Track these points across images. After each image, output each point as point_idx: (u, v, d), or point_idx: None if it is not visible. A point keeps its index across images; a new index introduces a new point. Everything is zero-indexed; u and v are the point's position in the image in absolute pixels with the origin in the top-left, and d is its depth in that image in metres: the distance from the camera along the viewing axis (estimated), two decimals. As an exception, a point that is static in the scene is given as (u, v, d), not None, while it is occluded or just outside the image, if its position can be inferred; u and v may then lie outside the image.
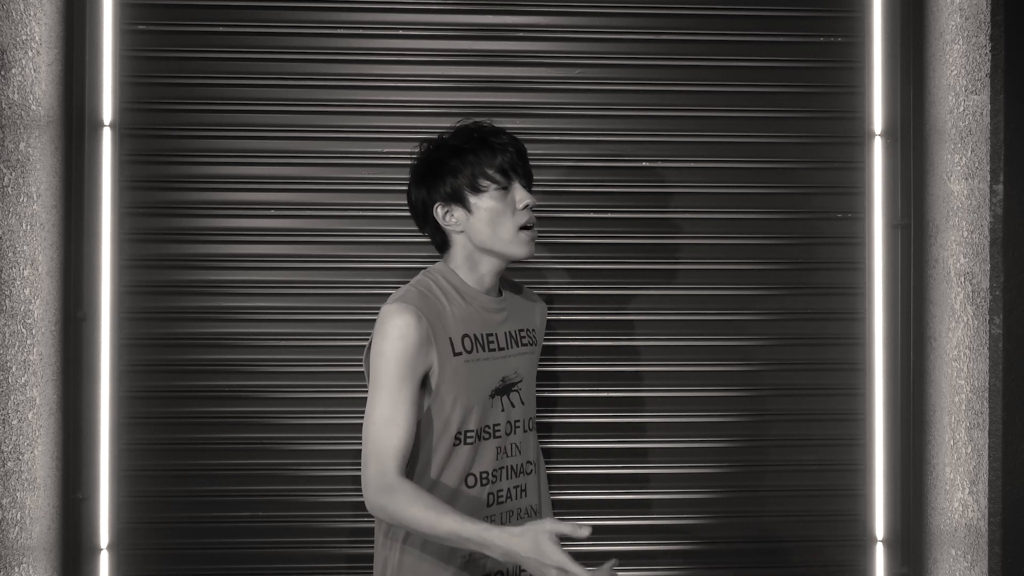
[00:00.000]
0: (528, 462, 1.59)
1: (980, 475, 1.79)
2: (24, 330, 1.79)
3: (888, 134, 2.11)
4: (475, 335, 1.50)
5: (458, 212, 1.51)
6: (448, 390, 1.45)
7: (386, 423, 1.41)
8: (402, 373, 1.41)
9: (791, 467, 2.10)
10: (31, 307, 1.82)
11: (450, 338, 1.46)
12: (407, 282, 2.03)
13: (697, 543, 2.09)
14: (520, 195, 1.51)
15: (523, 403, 1.58)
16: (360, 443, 2.01)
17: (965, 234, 1.86)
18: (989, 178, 1.76)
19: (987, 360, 1.76)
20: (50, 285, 1.91)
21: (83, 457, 2.00)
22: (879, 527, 2.10)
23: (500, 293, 1.60)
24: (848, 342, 2.11)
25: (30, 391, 1.82)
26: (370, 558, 2.04)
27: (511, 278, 1.79)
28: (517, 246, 1.50)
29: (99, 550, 2.00)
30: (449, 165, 1.51)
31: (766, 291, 2.11)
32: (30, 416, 1.82)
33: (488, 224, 1.49)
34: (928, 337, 2.04)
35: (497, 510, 1.52)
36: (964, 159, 1.87)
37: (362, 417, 2.01)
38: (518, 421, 1.57)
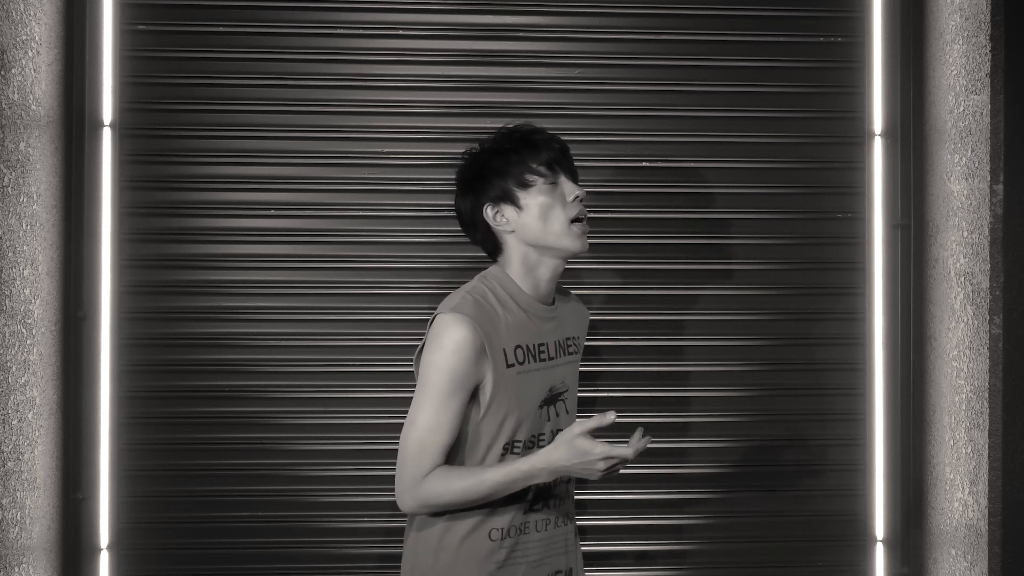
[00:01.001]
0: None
1: (980, 475, 1.79)
2: (24, 330, 1.79)
3: (888, 134, 2.11)
4: (527, 345, 1.48)
5: (508, 211, 1.48)
6: (500, 403, 1.44)
7: (429, 431, 1.41)
8: (453, 385, 1.40)
9: (791, 467, 2.10)
10: (31, 307, 1.82)
11: (504, 350, 1.44)
12: (408, 283, 2.06)
13: (697, 543, 2.09)
14: (569, 188, 1.49)
15: (567, 412, 1.56)
16: (363, 443, 2.03)
17: (965, 234, 1.86)
18: (989, 178, 1.76)
19: (987, 360, 1.76)
20: (50, 285, 1.91)
21: (83, 457, 2.00)
22: (879, 527, 2.10)
23: (553, 301, 1.57)
24: (848, 342, 2.11)
25: (30, 391, 1.82)
26: (369, 558, 2.05)
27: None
28: (570, 239, 1.47)
29: (99, 550, 2.00)
30: (494, 166, 1.49)
31: (766, 291, 2.11)
32: (30, 416, 1.82)
33: (539, 219, 1.46)
34: (928, 337, 2.04)
35: (542, 515, 1.50)
36: (964, 159, 1.87)
37: (362, 417, 2.04)
38: (559, 431, 1.52)
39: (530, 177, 1.47)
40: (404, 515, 2.03)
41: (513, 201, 1.48)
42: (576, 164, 2.06)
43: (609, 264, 2.09)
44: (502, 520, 1.46)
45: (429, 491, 1.40)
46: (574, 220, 1.48)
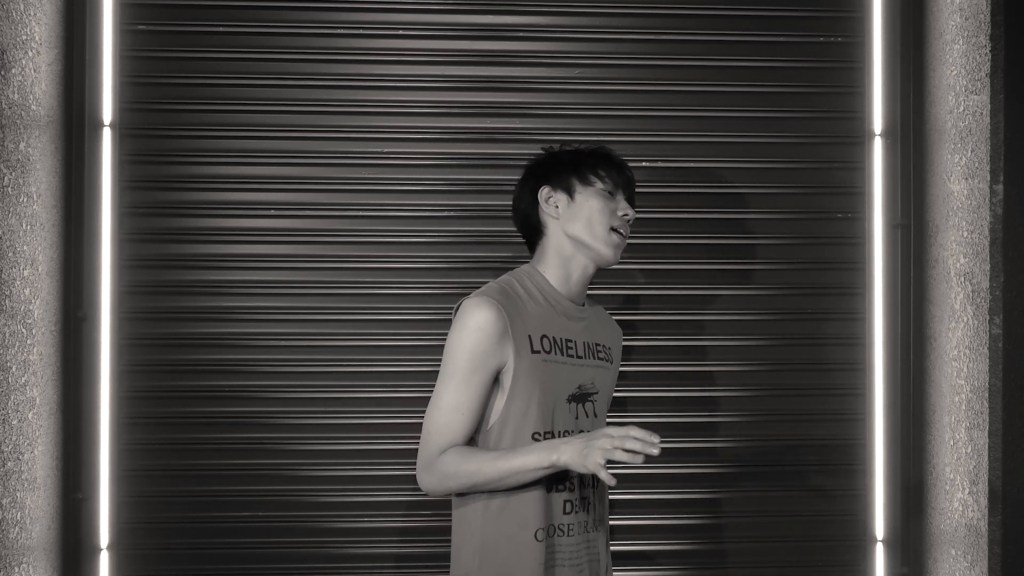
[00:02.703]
0: (594, 476, 1.54)
1: (980, 475, 1.79)
2: (24, 330, 1.79)
3: (888, 134, 2.11)
4: (554, 337, 1.50)
5: (561, 199, 1.54)
6: (524, 386, 1.45)
7: (452, 410, 1.43)
8: (475, 364, 1.42)
9: (791, 467, 2.10)
10: (31, 307, 1.82)
11: (529, 335, 1.46)
12: (408, 283, 2.06)
13: (697, 543, 2.09)
14: (623, 205, 1.54)
15: (596, 416, 1.56)
16: (363, 443, 2.04)
17: (965, 234, 1.86)
18: (989, 178, 1.76)
19: (987, 360, 1.76)
20: (50, 285, 1.91)
21: (83, 457, 2.00)
22: (879, 527, 2.10)
23: (583, 304, 1.59)
24: (848, 342, 2.11)
25: (30, 391, 1.82)
26: (369, 558, 2.05)
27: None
28: (606, 245, 1.51)
29: (99, 550, 2.00)
30: (566, 160, 1.57)
31: (766, 291, 2.11)
32: (30, 416, 1.82)
33: (585, 216, 1.51)
34: (928, 337, 2.04)
35: (575, 519, 1.49)
36: (964, 159, 1.87)
37: (362, 417, 2.04)
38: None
39: (593, 178, 1.53)
40: (403, 514, 2.04)
41: (569, 192, 1.54)
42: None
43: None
44: (544, 520, 1.45)
45: (445, 467, 1.42)
46: (615, 230, 1.52)
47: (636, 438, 1.28)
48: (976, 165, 1.81)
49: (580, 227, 1.51)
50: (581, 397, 1.52)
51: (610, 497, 2.06)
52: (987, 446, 1.76)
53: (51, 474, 1.92)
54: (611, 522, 2.07)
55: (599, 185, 1.53)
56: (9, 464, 1.73)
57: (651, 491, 2.09)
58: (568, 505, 1.48)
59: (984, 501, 1.77)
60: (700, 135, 2.10)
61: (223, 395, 2.03)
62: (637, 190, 2.07)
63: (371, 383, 2.04)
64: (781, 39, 2.10)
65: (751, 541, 2.10)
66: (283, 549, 2.03)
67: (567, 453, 1.35)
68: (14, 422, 1.75)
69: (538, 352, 1.46)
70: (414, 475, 1.48)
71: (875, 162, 2.11)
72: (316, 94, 2.05)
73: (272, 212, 2.04)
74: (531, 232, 1.59)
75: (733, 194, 2.10)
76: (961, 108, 1.88)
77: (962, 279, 1.87)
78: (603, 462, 1.30)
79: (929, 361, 2.04)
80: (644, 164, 2.09)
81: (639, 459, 1.28)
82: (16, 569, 1.76)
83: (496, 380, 1.46)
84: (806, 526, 2.10)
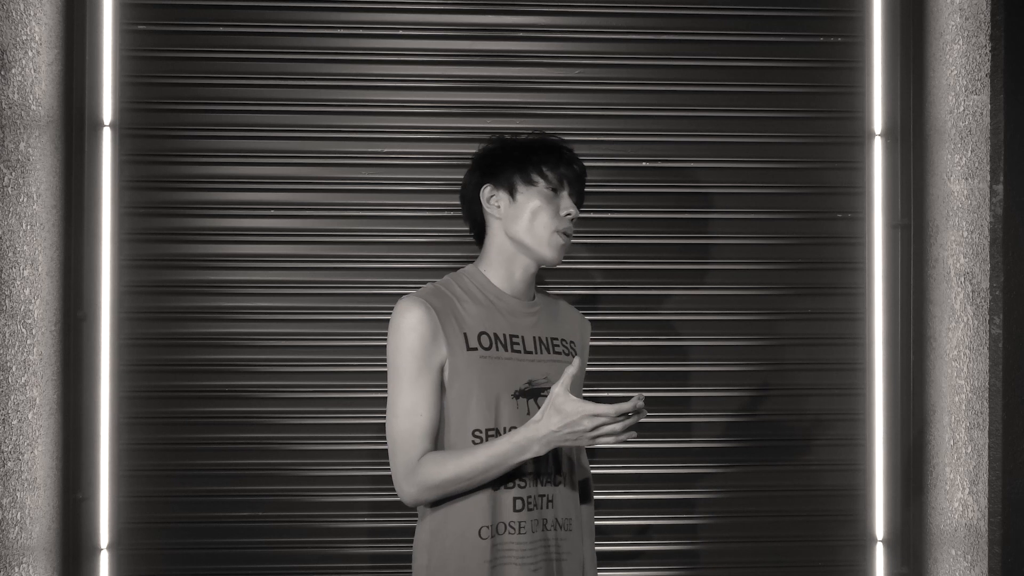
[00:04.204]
0: (557, 473, 1.53)
1: (980, 475, 1.79)
2: (24, 330, 1.79)
3: (888, 134, 2.11)
4: (495, 334, 1.49)
5: (503, 198, 1.52)
6: (463, 384, 1.45)
7: (408, 414, 1.44)
8: (418, 364, 1.44)
9: (791, 467, 2.10)
10: (31, 307, 1.82)
11: (464, 333, 1.46)
12: (408, 283, 2.06)
13: (697, 543, 2.09)
14: (566, 203, 1.51)
15: None
16: (363, 443, 2.04)
17: (965, 234, 1.86)
18: (989, 178, 1.76)
19: (987, 360, 1.76)
20: (50, 285, 1.91)
21: (83, 457, 2.00)
22: (879, 527, 2.10)
23: (533, 299, 1.58)
24: (848, 342, 2.11)
25: (30, 391, 1.82)
26: (369, 558, 2.05)
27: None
28: (548, 248, 1.50)
29: (99, 550, 2.00)
30: (510, 155, 1.53)
31: (766, 291, 2.11)
32: (30, 416, 1.82)
33: (526, 217, 1.49)
34: (928, 337, 2.04)
35: (527, 516, 1.47)
36: (964, 159, 1.87)
37: (363, 417, 2.03)
38: None
39: (536, 177, 1.50)
40: (403, 514, 2.04)
41: (511, 191, 1.51)
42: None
43: (609, 264, 2.09)
44: (490, 518, 1.45)
45: (425, 474, 1.42)
46: (558, 232, 1.50)
47: (615, 431, 1.34)
48: (976, 165, 1.81)
49: (522, 229, 1.49)
50: (531, 392, 1.51)
51: (607, 497, 2.07)
52: (987, 446, 1.76)
53: (51, 474, 1.92)
54: (609, 522, 2.07)
55: (542, 184, 1.50)
56: (9, 464, 1.73)
57: (651, 491, 2.09)
58: (519, 503, 1.47)
59: (984, 501, 1.77)
60: (700, 135, 2.10)
61: (223, 395, 2.03)
62: (636, 191, 2.09)
63: (370, 383, 2.04)
64: (781, 39, 2.10)
65: (751, 541, 2.10)
66: (284, 549, 2.03)
67: (539, 446, 1.37)
68: (14, 422, 1.75)
69: (474, 349, 1.46)
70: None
71: (875, 162, 2.11)
72: (316, 94, 2.05)
73: (272, 212, 2.04)
74: (477, 229, 1.58)
75: (733, 194, 2.10)
76: (961, 108, 1.88)
77: (962, 279, 1.87)
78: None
79: (929, 361, 2.04)
80: (644, 164, 2.09)
81: (632, 435, 1.36)
82: (16, 569, 1.76)
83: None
84: (806, 526, 2.10)
